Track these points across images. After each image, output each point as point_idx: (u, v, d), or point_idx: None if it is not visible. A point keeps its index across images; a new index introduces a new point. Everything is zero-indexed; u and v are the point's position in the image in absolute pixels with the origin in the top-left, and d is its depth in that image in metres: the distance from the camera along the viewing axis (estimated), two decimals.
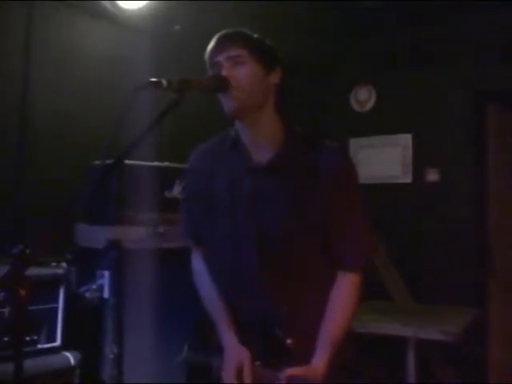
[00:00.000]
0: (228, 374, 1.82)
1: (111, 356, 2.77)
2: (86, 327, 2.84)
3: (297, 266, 1.85)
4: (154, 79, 1.70)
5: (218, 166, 1.94)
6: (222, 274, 1.98)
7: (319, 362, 1.76)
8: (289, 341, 1.76)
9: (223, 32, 1.86)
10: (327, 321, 1.82)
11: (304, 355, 1.77)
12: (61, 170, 3.25)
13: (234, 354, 1.84)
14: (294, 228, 1.82)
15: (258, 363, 1.82)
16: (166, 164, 3.10)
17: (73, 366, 2.65)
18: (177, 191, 3.07)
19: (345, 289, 1.86)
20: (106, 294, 2.81)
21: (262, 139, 1.86)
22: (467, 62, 4.70)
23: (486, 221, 4.79)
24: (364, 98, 5.12)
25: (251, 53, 1.82)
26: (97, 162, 2.84)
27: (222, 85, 1.82)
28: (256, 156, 1.87)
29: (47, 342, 2.65)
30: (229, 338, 1.89)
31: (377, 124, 4.96)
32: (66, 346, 2.71)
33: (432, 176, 4.85)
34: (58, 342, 2.69)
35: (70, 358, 2.66)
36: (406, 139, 4.94)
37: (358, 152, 5.05)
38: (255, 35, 1.90)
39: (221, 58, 1.82)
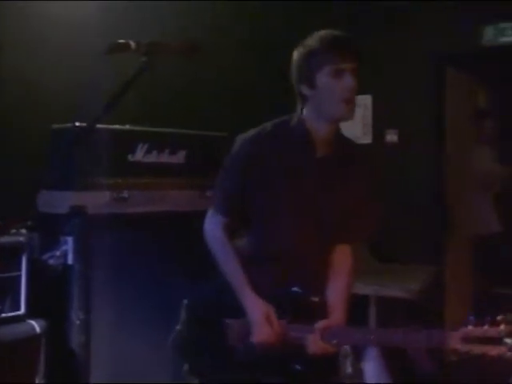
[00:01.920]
0: (260, 324, 2.00)
1: (78, 323, 2.74)
2: (50, 294, 2.79)
3: (324, 243, 2.13)
4: (121, 41, 1.66)
5: (279, 155, 2.09)
6: (261, 246, 2.16)
7: (340, 314, 2.04)
8: (315, 298, 2.04)
9: (345, 36, 2.02)
10: (341, 283, 2.12)
11: (323, 311, 2.03)
12: (22, 133, 3.13)
13: (262, 308, 2.03)
14: (335, 214, 2.10)
15: (283, 321, 2.01)
16: (128, 127, 3.03)
17: (38, 333, 2.61)
18: (140, 155, 3.02)
19: (350, 257, 2.18)
20: (70, 261, 2.77)
21: (330, 138, 2.06)
22: (426, 25, 4.71)
23: (444, 180, 4.88)
24: None
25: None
26: (59, 126, 2.76)
27: (191, 48, 1.80)
28: (321, 150, 2.07)
29: (11, 311, 2.60)
30: (253, 297, 2.06)
31: None
32: (30, 314, 2.66)
33: (391, 136, 4.89)
34: (22, 311, 2.64)
35: (36, 325, 2.62)
36: (366, 100, 4.96)
37: None
38: None
39: (347, 67, 1.96)
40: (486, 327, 1.69)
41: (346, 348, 3.92)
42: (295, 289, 2.03)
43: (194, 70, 3.79)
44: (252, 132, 2.15)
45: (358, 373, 3.79)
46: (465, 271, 5.26)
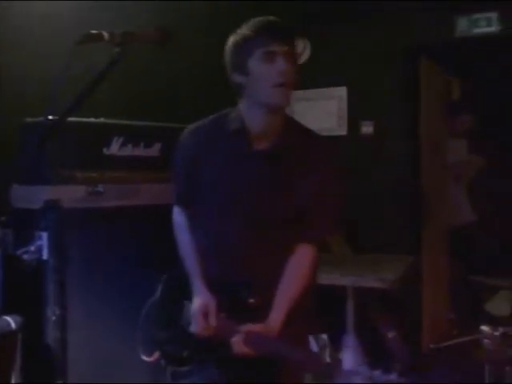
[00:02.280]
0: (196, 316, 2.03)
1: (53, 318, 2.71)
2: (26, 290, 2.76)
3: (271, 241, 2.05)
4: (94, 31, 1.64)
5: (213, 147, 2.07)
6: (205, 241, 2.15)
7: (275, 319, 1.98)
8: (251, 300, 2.00)
9: (274, 20, 1.97)
10: (283, 284, 2.03)
11: (264, 314, 1.99)
12: None
13: (203, 298, 2.05)
14: (279, 210, 2.03)
15: (222, 315, 2.03)
16: (103, 120, 3.00)
17: (14, 329, 2.57)
18: (115, 148, 2.99)
19: (301, 258, 2.06)
20: (44, 256, 2.73)
21: (271, 130, 2.01)
22: (401, 16, 4.72)
23: (419, 171, 4.91)
24: (298, 50, 5.08)
25: (296, 50, 2.01)
26: (31, 120, 2.72)
27: (164, 37, 1.78)
28: (257, 143, 2.02)
29: None
30: (200, 286, 2.09)
31: (312, 77, 4.94)
32: (5, 310, 2.63)
33: (366, 128, 4.91)
34: None
35: (11, 321, 2.58)
36: (341, 92, 4.97)
37: (293, 105, 5.02)
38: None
39: (278, 49, 1.90)
40: None
41: (324, 337, 3.95)
42: (237, 286, 2.03)
43: (168, 62, 3.76)
44: (194, 124, 2.17)
45: (337, 362, 3.82)
46: (441, 260, 5.32)
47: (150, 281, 2.74)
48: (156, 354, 2.34)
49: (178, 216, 2.27)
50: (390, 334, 4.29)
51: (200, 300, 2.06)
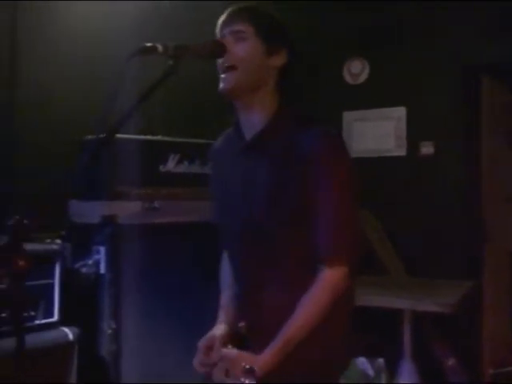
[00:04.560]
0: (198, 348, 1.82)
1: (109, 331, 2.75)
2: (83, 303, 2.82)
3: (269, 254, 1.76)
4: (149, 44, 1.66)
5: (223, 151, 1.98)
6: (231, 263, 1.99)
7: (265, 353, 1.65)
8: (241, 324, 1.83)
9: (234, 6, 1.82)
10: (291, 319, 1.68)
11: (261, 344, 1.69)
12: (52, 146, 3.19)
13: (210, 332, 1.85)
14: (269, 212, 1.74)
15: (230, 346, 1.78)
16: (160, 138, 3.07)
17: (71, 341, 2.63)
18: (171, 165, 3.04)
19: (317, 287, 1.70)
20: (102, 270, 2.79)
21: (255, 121, 1.80)
22: (461, 36, 4.65)
23: (479, 194, 4.79)
24: (357, 70, 5.07)
25: (256, 30, 1.76)
26: (90, 137, 2.80)
27: (219, 50, 1.78)
28: (247, 136, 1.83)
29: (45, 318, 2.63)
30: (219, 319, 1.92)
31: (370, 97, 4.92)
32: (63, 321, 2.69)
33: (426, 149, 4.82)
34: (55, 318, 2.67)
35: (69, 333, 2.64)
36: (400, 112, 4.91)
37: (351, 125, 5.02)
38: (266, 12, 1.84)
39: (225, 32, 1.78)
40: None
41: (381, 361, 3.87)
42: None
43: None
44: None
45: None
46: (502, 285, 5.15)
47: (203, 297, 2.77)
48: None
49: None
50: (449, 361, 4.17)
51: (209, 334, 1.85)
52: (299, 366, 1.70)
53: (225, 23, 1.80)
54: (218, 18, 1.86)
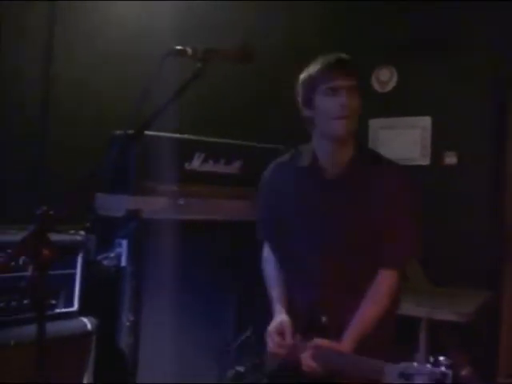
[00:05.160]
0: (271, 334, 2.13)
1: (127, 324, 2.80)
2: (103, 294, 2.88)
3: (348, 266, 2.10)
4: (179, 47, 1.71)
5: (292, 181, 2.22)
6: (289, 268, 2.27)
7: (346, 340, 2.01)
8: (324, 318, 2.04)
9: (340, 56, 2.09)
10: (361, 310, 2.06)
11: (338, 336, 2.02)
12: (84, 141, 3.26)
13: (279, 318, 2.14)
14: (355, 236, 2.09)
15: (298, 336, 2.08)
16: (187, 136, 3.12)
17: (89, 330, 2.69)
18: (196, 164, 3.09)
19: (381, 285, 2.09)
20: (123, 263, 2.85)
21: (340, 159, 2.11)
22: (490, 48, 4.63)
23: (502, 205, 4.77)
24: (385, 78, 5.08)
25: (358, 84, 2.07)
26: (119, 132, 2.86)
27: (247, 55, 1.82)
28: (329, 173, 2.13)
29: (65, 307, 2.69)
30: (278, 309, 2.20)
31: (397, 105, 4.93)
32: (83, 311, 2.75)
33: (450, 159, 4.81)
34: (75, 307, 2.73)
35: (87, 323, 2.70)
36: (426, 121, 4.90)
37: (377, 132, 5.03)
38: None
39: (342, 84, 2.02)
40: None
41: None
42: (312, 307, 2.10)
43: (249, 82, 3.85)
44: (275, 161, 2.35)
45: None
46: None
47: (222, 294, 2.81)
48: None
49: (265, 250, 2.40)
50: (465, 371, 4.16)
51: (276, 320, 2.15)
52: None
53: (341, 75, 2.04)
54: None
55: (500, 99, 4.77)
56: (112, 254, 2.85)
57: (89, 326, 2.70)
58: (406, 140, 4.93)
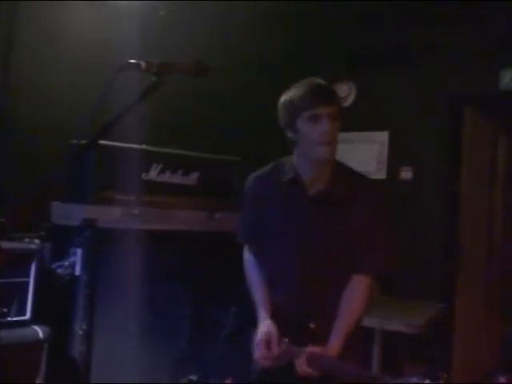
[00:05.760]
0: (259, 344, 2.20)
1: (80, 332, 2.81)
2: (56, 303, 2.87)
3: (327, 274, 2.23)
4: (133, 61, 1.75)
5: (273, 194, 2.31)
6: (271, 274, 2.35)
7: (334, 343, 2.14)
8: (312, 325, 2.17)
9: (321, 84, 2.19)
10: (341, 312, 2.19)
11: (323, 339, 2.15)
12: (39, 148, 3.25)
13: (266, 327, 2.22)
14: (332, 250, 2.21)
15: (286, 340, 2.17)
16: (145, 147, 3.14)
17: (41, 339, 2.69)
18: (154, 174, 3.12)
19: (356, 287, 2.22)
20: (77, 272, 2.85)
21: (320, 178, 2.21)
22: (446, 65, 4.76)
23: (456, 219, 4.89)
24: (344, 93, 5.18)
25: (339, 111, 2.19)
26: (74, 142, 2.87)
27: (201, 70, 1.87)
28: (310, 189, 2.23)
29: (17, 315, 2.69)
30: (264, 315, 2.28)
31: (355, 120, 5.02)
32: (35, 320, 2.75)
33: (406, 174, 4.93)
34: (27, 316, 2.73)
35: (39, 331, 2.70)
36: (383, 136, 5.02)
37: None
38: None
39: (323, 112, 2.11)
40: None
41: None
42: (300, 314, 2.21)
43: (209, 93, 3.89)
44: (257, 172, 2.42)
45: None
46: (475, 309, 5.22)
47: (175, 303, 2.83)
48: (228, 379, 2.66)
49: (247, 253, 2.48)
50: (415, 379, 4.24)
51: (263, 329, 2.23)
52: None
53: (322, 103, 2.11)
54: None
55: (456, 116, 4.91)
56: (66, 263, 2.86)
57: (41, 335, 2.70)
58: (363, 154, 5.03)
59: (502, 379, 2.60)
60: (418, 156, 4.90)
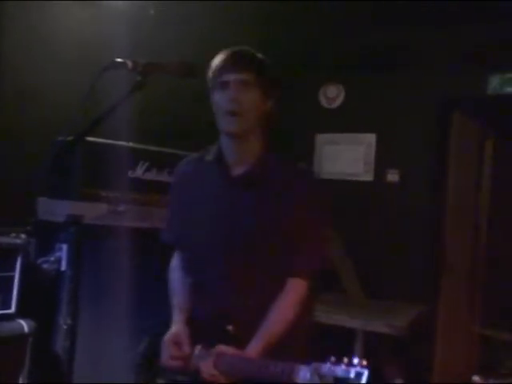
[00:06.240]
0: (166, 344, 2.04)
1: (64, 327, 2.83)
2: (41, 297, 2.90)
3: (252, 272, 2.01)
4: (119, 60, 1.78)
5: (199, 179, 2.13)
6: (193, 273, 2.17)
7: (252, 348, 1.93)
8: (229, 327, 1.96)
9: (235, 50, 2.00)
10: (268, 318, 1.97)
11: (245, 344, 1.94)
12: (26, 144, 3.27)
13: (176, 329, 2.06)
14: (258, 238, 1.99)
15: (199, 346, 2.00)
16: (131, 144, 3.17)
17: (26, 333, 2.71)
18: (140, 172, 3.14)
19: (289, 294, 2.00)
20: (63, 267, 2.87)
21: (244, 157, 2.02)
22: (434, 68, 4.81)
23: (442, 222, 4.94)
24: (333, 94, 5.23)
25: (258, 79, 1.97)
26: (60, 138, 2.89)
27: (187, 71, 1.91)
28: (235, 171, 2.04)
29: (2, 309, 2.71)
30: (177, 318, 2.10)
31: (343, 121, 5.07)
32: (20, 314, 2.77)
33: (392, 176, 4.98)
34: (12, 310, 2.75)
35: (24, 325, 2.72)
36: (370, 138, 5.06)
37: (323, 147, 5.17)
38: (263, 58, 2.04)
39: (230, 79, 1.94)
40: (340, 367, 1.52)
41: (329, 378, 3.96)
42: (220, 319, 2.00)
43: (198, 93, 3.91)
44: (185, 159, 2.25)
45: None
46: (458, 310, 5.28)
47: (155, 297, 2.85)
48: None
49: (174, 259, 2.31)
50: (397, 381, 4.30)
51: (172, 330, 2.06)
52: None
53: (230, 69, 1.95)
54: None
55: (443, 118, 4.96)
56: (52, 258, 2.88)
57: (26, 329, 2.72)
58: (350, 156, 5.08)
59: (480, 380, 2.64)
60: (405, 158, 4.95)
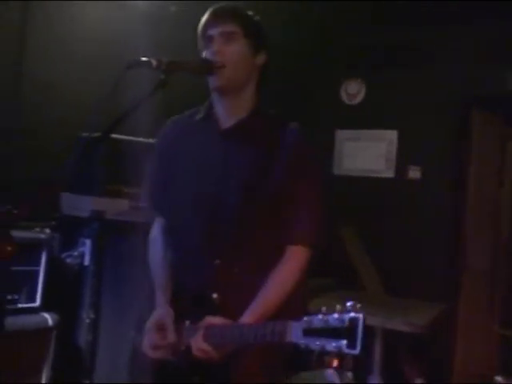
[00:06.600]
0: (150, 330, 1.89)
1: (87, 321, 2.87)
2: (65, 291, 2.94)
3: (243, 233, 1.88)
4: (144, 58, 1.80)
5: (187, 137, 2.03)
6: (176, 239, 2.02)
7: (248, 317, 1.79)
8: (214, 295, 1.83)
9: (219, 6, 1.94)
10: (265, 288, 1.84)
11: (233, 315, 1.80)
12: (52, 140, 3.31)
13: (160, 314, 1.90)
14: (248, 196, 1.87)
15: (187, 322, 1.85)
16: (151, 140, 3.18)
17: (50, 326, 2.76)
18: None
19: (289, 263, 1.88)
20: (86, 261, 2.92)
21: (235, 112, 1.95)
22: (457, 65, 4.80)
23: (463, 220, 4.92)
24: (354, 91, 5.22)
25: (244, 31, 1.91)
26: (85, 134, 2.93)
27: (209, 68, 1.92)
28: (225, 124, 1.96)
29: (27, 302, 2.76)
30: (159, 300, 1.95)
31: (364, 118, 5.07)
32: (44, 307, 2.82)
33: (414, 173, 4.97)
34: (37, 303, 2.80)
35: (48, 318, 2.77)
36: (392, 135, 5.06)
37: (343, 144, 5.17)
38: (249, 12, 1.98)
39: (214, 32, 1.90)
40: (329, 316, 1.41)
41: (349, 375, 3.97)
42: (204, 288, 1.85)
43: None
44: (176, 115, 2.15)
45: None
46: (479, 313, 5.25)
47: None
48: None
49: (153, 228, 2.18)
50: (417, 381, 4.29)
51: (155, 315, 1.91)
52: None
53: (213, 23, 1.91)
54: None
55: (465, 116, 4.94)
56: (75, 253, 2.92)
57: (50, 322, 2.77)
58: (371, 152, 5.07)
59: (503, 381, 2.62)
60: (426, 155, 4.94)
